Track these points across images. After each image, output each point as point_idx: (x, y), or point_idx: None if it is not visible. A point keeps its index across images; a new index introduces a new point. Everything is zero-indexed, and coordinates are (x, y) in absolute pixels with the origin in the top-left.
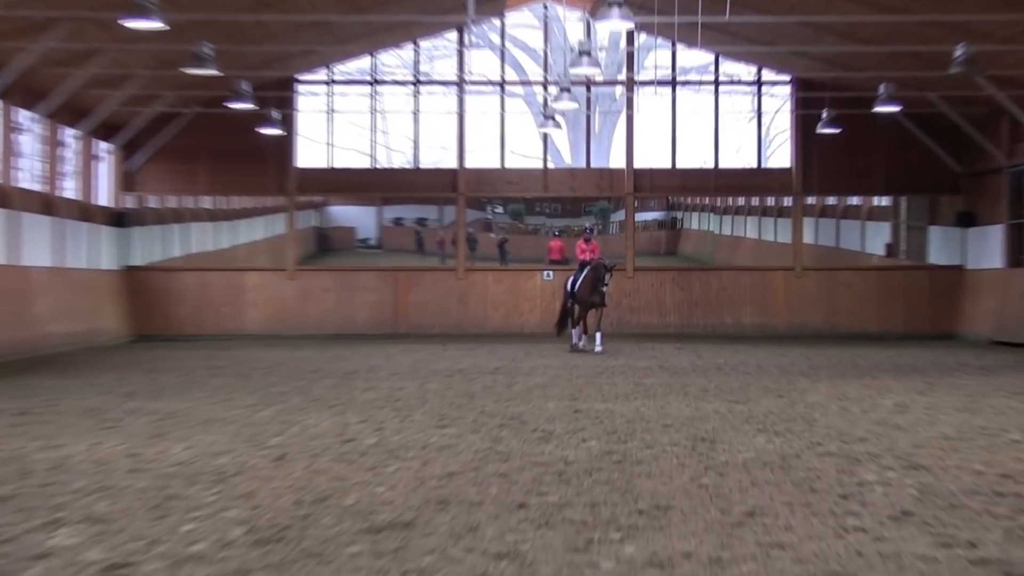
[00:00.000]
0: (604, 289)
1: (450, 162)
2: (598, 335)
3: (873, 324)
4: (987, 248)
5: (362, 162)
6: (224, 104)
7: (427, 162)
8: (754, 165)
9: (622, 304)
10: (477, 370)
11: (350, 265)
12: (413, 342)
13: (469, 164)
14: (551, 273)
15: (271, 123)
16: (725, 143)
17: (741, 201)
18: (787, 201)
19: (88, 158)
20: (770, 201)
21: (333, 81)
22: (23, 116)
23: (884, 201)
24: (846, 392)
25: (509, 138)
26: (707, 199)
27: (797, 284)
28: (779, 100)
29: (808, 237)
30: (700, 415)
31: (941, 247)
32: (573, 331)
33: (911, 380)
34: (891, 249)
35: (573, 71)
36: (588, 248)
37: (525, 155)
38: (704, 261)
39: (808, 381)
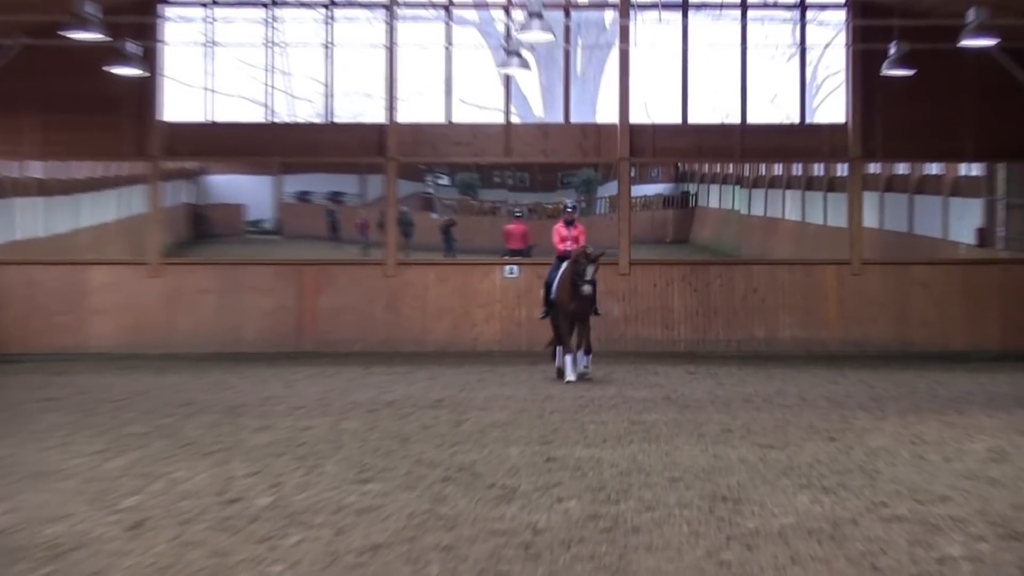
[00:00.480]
0: (587, 290)
1: (376, 115)
2: (580, 357)
3: (960, 339)
4: None
5: (254, 115)
6: (60, 33)
7: (344, 115)
8: (796, 120)
9: (613, 312)
10: (413, 403)
11: (237, 258)
12: (325, 364)
13: (403, 118)
14: (515, 268)
15: (127, 60)
16: (756, 90)
17: (778, 170)
18: (841, 170)
19: None
20: (818, 170)
21: (214, 2)
22: None
23: (975, 170)
24: (921, 433)
25: (458, 82)
26: (731, 167)
27: (855, 284)
28: (830, 31)
29: (870, 219)
30: (721, 465)
31: None
32: (558, 349)
33: (1012, 417)
34: (984, 236)
35: None
36: (570, 235)
37: (480, 106)
38: (727, 252)
39: (869, 418)
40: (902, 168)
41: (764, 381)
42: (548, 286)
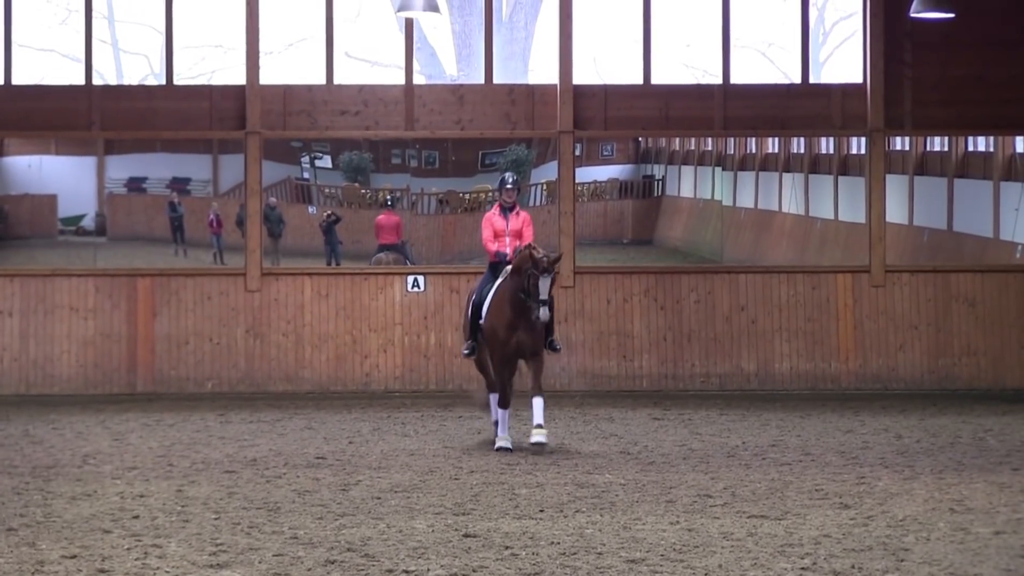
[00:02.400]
0: (542, 315)
1: (232, 75)
2: (536, 404)
3: (1016, 372)
4: None
5: (69, 75)
6: None
7: (189, 75)
8: (796, 79)
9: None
10: (284, 461)
11: (47, 267)
12: (165, 409)
13: (268, 78)
14: (421, 280)
15: None
16: (743, 39)
17: (773, 146)
18: (857, 145)
19: None
20: (826, 146)
21: None
22: None
23: None
24: (965, 498)
25: (343, 32)
26: (710, 142)
27: (876, 299)
28: None
29: (896, 212)
30: (697, 542)
31: None
32: (491, 398)
33: None
34: None
35: None
36: (510, 227)
37: (373, 62)
38: (705, 257)
39: (895, 477)
40: (938, 143)
41: (755, 429)
42: (476, 308)
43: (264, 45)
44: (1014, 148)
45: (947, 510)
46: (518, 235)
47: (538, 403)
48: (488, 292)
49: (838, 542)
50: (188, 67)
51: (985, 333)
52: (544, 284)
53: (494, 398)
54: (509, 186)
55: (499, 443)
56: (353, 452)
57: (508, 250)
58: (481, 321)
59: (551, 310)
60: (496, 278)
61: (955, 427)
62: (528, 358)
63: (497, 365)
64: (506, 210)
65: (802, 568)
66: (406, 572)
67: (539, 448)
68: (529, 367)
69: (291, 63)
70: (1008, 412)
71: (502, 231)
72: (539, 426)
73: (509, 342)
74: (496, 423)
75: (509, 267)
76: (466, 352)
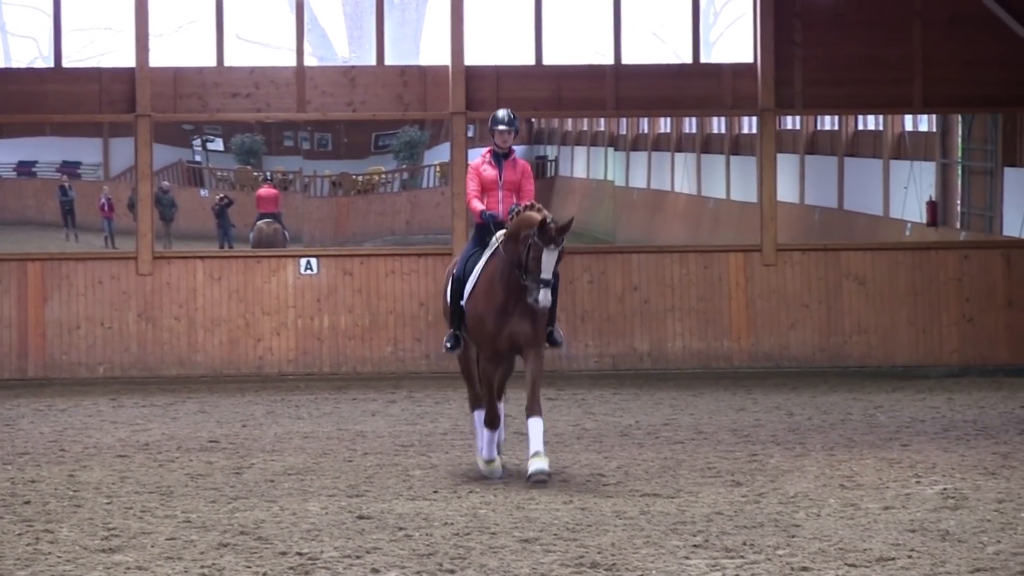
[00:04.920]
0: (541, 301)
1: (122, 57)
2: (533, 427)
3: (906, 349)
4: None
5: None
6: None
7: (78, 58)
8: (688, 60)
9: (443, 319)
10: (177, 445)
11: None
12: (56, 394)
13: (158, 61)
14: (314, 262)
15: None
16: (634, 19)
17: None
18: (748, 124)
19: None
20: (717, 125)
21: None
22: None
23: (925, 124)
24: (855, 474)
25: (233, 13)
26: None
27: (768, 278)
28: None
29: (787, 191)
30: (589, 520)
31: None
32: (475, 415)
33: (972, 451)
34: (936, 212)
35: None
36: (504, 178)
37: (264, 44)
38: (598, 237)
39: (787, 455)
40: (829, 122)
41: (648, 409)
42: (458, 286)
43: (154, 27)
44: (903, 127)
45: (837, 486)
46: (515, 189)
47: (536, 425)
48: (474, 266)
49: (730, 519)
50: (77, 50)
51: (875, 311)
52: (549, 259)
53: (479, 417)
54: (503, 126)
55: (485, 467)
56: (246, 435)
57: (501, 209)
58: (463, 303)
59: (555, 293)
60: (484, 247)
61: (846, 404)
62: (524, 355)
63: (483, 368)
64: (499, 157)
65: (694, 545)
66: (300, 554)
67: (540, 481)
68: (525, 368)
69: (181, 45)
70: (898, 389)
71: (493, 183)
72: (537, 454)
73: (499, 334)
74: (481, 449)
75: (501, 233)
76: (448, 345)
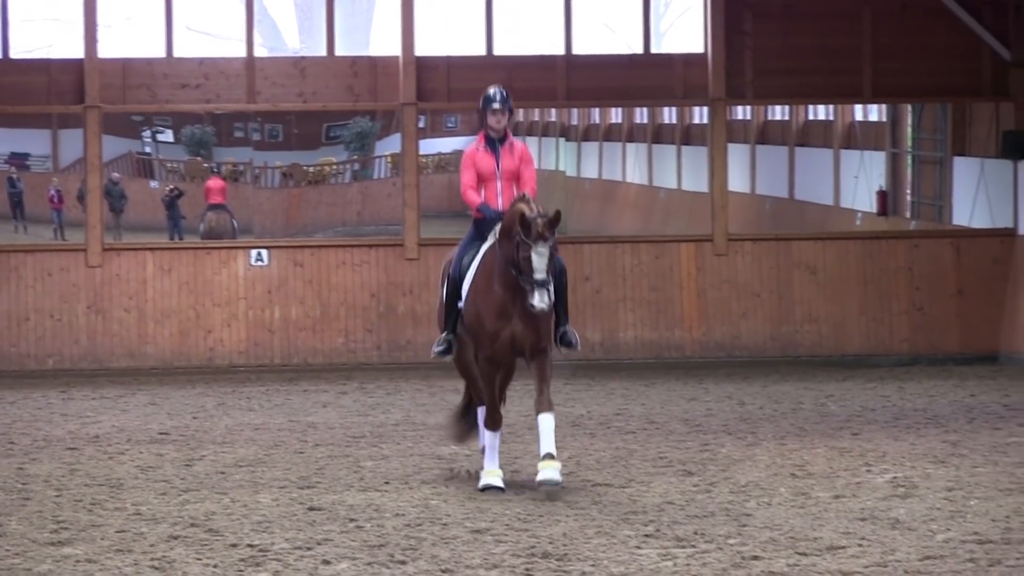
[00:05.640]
0: (539, 304)
1: (70, 48)
2: (544, 424)
3: (856, 339)
4: None
5: None
6: None
7: (26, 49)
8: (639, 50)
9: (397, 311)
10: (127, 437)
11: None
12: (5, 386)
13: (107, 51)
14: (264, 253)
15: None
16: (585, 10)
17: (616, 116)
18: (699, 115)
19: None
20: (668, 116)
21: None
22: None
23: (874, 114)
24: (806, 463)
25: (182, 4)
26: (553, 113)
27: (719, 268)
28: None
29: (738, 181)
30: (541, 510)
31: (976, 196)
32: (479, 414)
33: (923, 439)
34: (886, 201)
35: None
36: (502, 167)
37: (214, 35)
38: None
39: (738, 444)
40: (779, 112)
41: (600, 399)
42: (454, 285)
43: (102, 18)
44: (853, 116)
45: (788, 475)
46: (514, 178)
47: (546, 422)
48: (470, 262)
49: (681, 508)
50: (25, 41)
51: (826, 300)
52: (540, 258)
53: (483, 414)
54: (497, 105)
55: (485, 479)
56: (197, 427)
57: (501, 201)
58: (461, 304)
59: (550, 293)
60: (482, 241)
61: (797, 393)
62: (529, 358)
63: (483, 367)
64: (494, 142)
65: (645, 535)
66: (250, 546)
67: (552, 491)
68: (532, 371)
69: (130, 36)
70: (849, 378)
71: (490, 173)
72: (548, 455)
73: (499, 335)
74: (482, 450)
75: (499, 227)
76: (438, 350)
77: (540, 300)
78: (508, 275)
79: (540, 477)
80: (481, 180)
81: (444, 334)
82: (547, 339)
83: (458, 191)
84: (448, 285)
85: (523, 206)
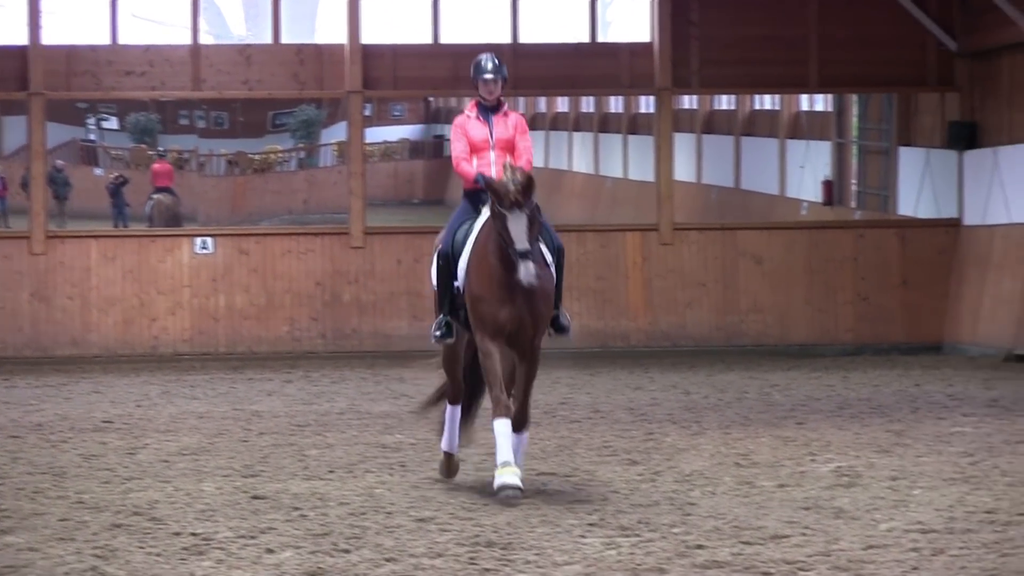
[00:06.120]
0: (526, 276)
1: (14, 34)
2: (515, 439)
3: (801, 328)
4: (1003, 187)
5: None
6: None
7: None
8: (585, 39)
9: (343, 299)
10: (71, 425)
11: None
12: None
13: (51, 38)
14: (209, 241)
15: None
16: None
17: (562, 105)
18: (645, 104)
19: None
20: (615, 105)
21: None
22: None
23: (820, 103)
24: (750, 453)
25: None
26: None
27: (665, 257)
28: None
29: (684, 170)
30: (486, 499)
31: (921, 186)
32: (448, 410)
33: (866, 428)
34: (832, 191)
35: None
36: (495, 135)
37: (159, 22)
38: None
39: (683, 433)
40: (726, 102)
41: (545, 387)
42: (446, 261)
43: (46, 4)
44: (799, 106)
45: (733, 464)
46: (509, 148)
47: (516, 439)
48: (465, 239)
49: (626, 497)
50: None
51: (772, 290)
52: (517, 225)
53: (451, 412)
54: (488, 74)
55: (502, 478)
56: (141, 416)
57: (495, 173)
58: (457, 283)
59: (559, 268)
60: (476, 215)
61: (742, 383)
62: (520, 352)
63: (482, 356)
64: (487, 111)
65: (590, 524)
66: (194, 535)
67: (509, 496)
68: (518, 372)
69: (75, 23)
70: (793, 367)
71: (483, 143)
72: (506, 464)
73: (503, 316)
74: (450, 453)
75: (489, 209)
76: (438, 334)
77: (526, 273)
78: (505, 251)
79: (498, 483)
80: (473, 151)
81: (440, 316)
82: (545, 323)
83: (404, 179)
84: (439, 260)
85: (507, 172)
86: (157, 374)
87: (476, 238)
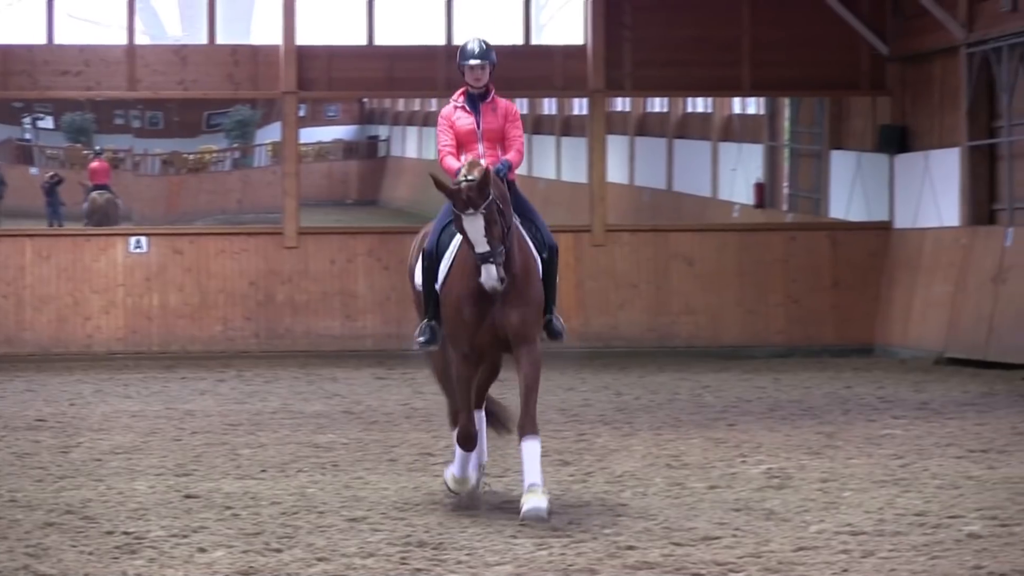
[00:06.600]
0: (489, 280)
1: None
2: (527, 450)
3: (733, 330)
4: (934, 190)
5: None
6: None
7: None
8: (519, 41)
9: (276, 299)
10: (4, 423)
11: None
12: None
13: None
14: (144, 240)
15: None
16: (466, 2)
17: None
18: (579, 106)
19: None
20: (548, 107)
21: None
22: None
23: (753, 106)
24: (682, 454)
25: None
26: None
27: (597, 259)
28: None
29: (617, 172)
30: (417, 499)
31: (853, 189)
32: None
33: (797, 430)
34: (764, 193)
35: None
36: (483, 126)
37: (94, 22)
38: (430, 216)
39: (614, 435)
40: (658, 104)
41: None
42: (430, 261)
43: None
44: (732, 109)
45: (664, 466)
46: (499, 139)
47: (531, 448)
48: (450, 240)
49: (557, 498)
50: None
51: (703, 291)
52: (473, 226)
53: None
54: (474, 60)
55: (454, 484)
56: (74, 414)
57: (484, 164)
58: (438, 286)
59: (551, 270)
60: (449, 226)
61: (673, 384)
62: (515, 354)
63: (457, 366)
64: (475, 99)
65: (521, 524)
66: (126, 534)
67: (535, 518)
68: (517, 372)
69: (10, 22)
70: (725, 369)
71: (470, 135)
72: (533, 488)
73: (479, 325)
74: (463, 478)
75: (469, 205)
76: (421, 340)
77: (487, 277)
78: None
79: (524, 508)
80: (460, 143)
81: (424, 321)
82: (534, 328)
83: (339, 179)
84: (424, 260)
85: (471, 168)
86: (91, 373)
87: (461, 243)
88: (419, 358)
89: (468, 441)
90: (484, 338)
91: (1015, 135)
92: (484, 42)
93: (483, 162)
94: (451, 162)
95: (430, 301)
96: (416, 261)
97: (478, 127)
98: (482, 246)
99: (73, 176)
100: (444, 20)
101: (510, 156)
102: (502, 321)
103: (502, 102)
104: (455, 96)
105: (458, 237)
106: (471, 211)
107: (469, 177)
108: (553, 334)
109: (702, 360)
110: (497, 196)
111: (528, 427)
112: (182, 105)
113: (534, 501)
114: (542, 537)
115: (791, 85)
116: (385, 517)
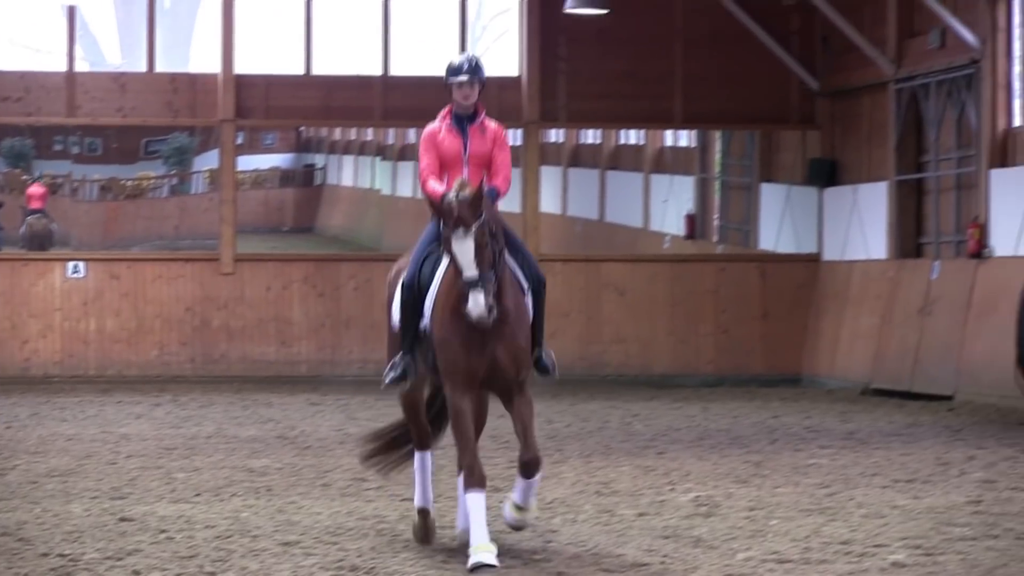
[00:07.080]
0: (475, 309)
1: None
2: (519, 489)
3: (663, 359)
4: (862, 224)
5: None
6: None
7: None
8: None
9: (212, 324)
10: None
11: None
12: None
13: None
14: (81, 265)
15: None
16: (402, 31)
17: None
18: (513, 137)
19: None
20: None
21: None
22: None
23: (684, 139)
24: (611, 481)
25: (3, 15)
26: (370, 132)
27: None
28: None
29: (549, 202)
30: (351, 525)
31: (782, 222)
32: (417, 457)
33: (726, 459)
34: (695, 225)
35: None
36: (470, 150)
37: (34, 48)
38: (365, 244)
39: (545, 462)
40: (592, 136)
41: None
42: (411, 293)
43: None
44: (663, 141)
45: (594, 493)
46: (485, 164)
47: (526, 487)
48: (433, 270)
49: (488, 524)
50: None
51: (634, 321)
52: (463, 248)
53: (421, 460)
54: (462, 76)
55: (477, 556)
56: (10, 437)
57: (452, 192)
58: (424, 323)
59: (540, 302)
60: (431, 253)
61: (604, 412)
62: (506, 395)
63: (453, 403)
64: (462, 120)
65: (452, 550)
66: (61, 556)
67: (518, 524)
68: (511, 411)
69: None
70: (655, 397)
71: (455, 158)
72: (519, 507)
73: (478, 362)
74: (426, 511)
75: (455, 231)
76: (393, 375)
77: (474, 305)
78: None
79: (509, 518)
80: (444, 166)
81: (398, 356)
82: (527, 365)
83: (275, 207)
84: (403, 293)
85: (458, 192)
86: (27, 396)
87: (445, 272)
88: (384, 391)
89: (480, 481)
90: (482, 372)
91: (942, 170)
92: (473, 58)
93: (455, 194)
94: (434, 185)
95: (407, 335)
96: (394, 293)
97: (464, 150)
98: (471, 271)
99: (12, 201)
100: (380, 51)
101: (497, 183)
102: (496, 361)
103: (491, 124)
104: (441, 114)
105: (443, 268)
106: (461, 231)
107: (461, 194)
108: (543, 370)
109: (632, 389)
110: (489, 218)
111: (531, 461)
112: (121, 132)
113: (520, 514)
114: (462, 564)
115: (722, 118)
116: (318, 542)
